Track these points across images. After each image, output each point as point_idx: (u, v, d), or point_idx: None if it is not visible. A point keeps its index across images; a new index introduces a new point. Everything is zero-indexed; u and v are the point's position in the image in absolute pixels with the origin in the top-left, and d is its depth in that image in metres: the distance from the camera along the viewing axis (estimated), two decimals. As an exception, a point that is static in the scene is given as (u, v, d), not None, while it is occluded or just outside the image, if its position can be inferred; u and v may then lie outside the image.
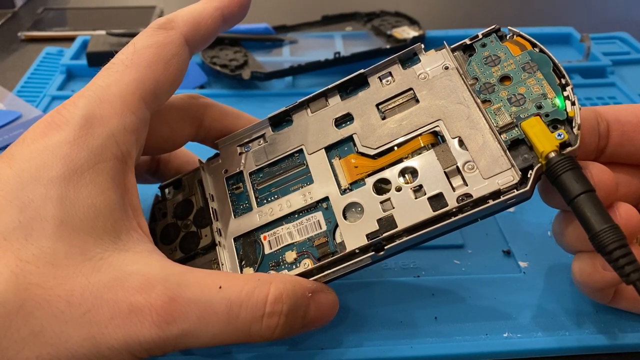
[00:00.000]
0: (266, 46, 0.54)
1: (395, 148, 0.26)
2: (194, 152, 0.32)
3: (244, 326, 0.21)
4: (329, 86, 0.28)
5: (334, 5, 0.64)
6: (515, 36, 0.26)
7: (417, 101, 0.26)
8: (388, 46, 0.51)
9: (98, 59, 0.50)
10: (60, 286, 0.20)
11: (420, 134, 0.25)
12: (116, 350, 0.20)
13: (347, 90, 0.28)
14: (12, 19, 0.66)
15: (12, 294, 0.19)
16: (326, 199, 0.26)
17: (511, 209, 0.34)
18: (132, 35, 0.52)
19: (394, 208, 0.24)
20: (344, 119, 0.27)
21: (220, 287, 0.21)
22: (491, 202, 0.23)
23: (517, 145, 0.24)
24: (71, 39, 0.56)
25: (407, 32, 0.54)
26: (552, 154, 0.22)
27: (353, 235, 0.24)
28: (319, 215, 0.26)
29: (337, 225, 0.25)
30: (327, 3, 0.68)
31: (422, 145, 0.25)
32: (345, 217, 0.25)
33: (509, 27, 0.26)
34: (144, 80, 0.23)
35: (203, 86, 0.49)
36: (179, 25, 0.25)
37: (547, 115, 0.23)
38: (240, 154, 0.29)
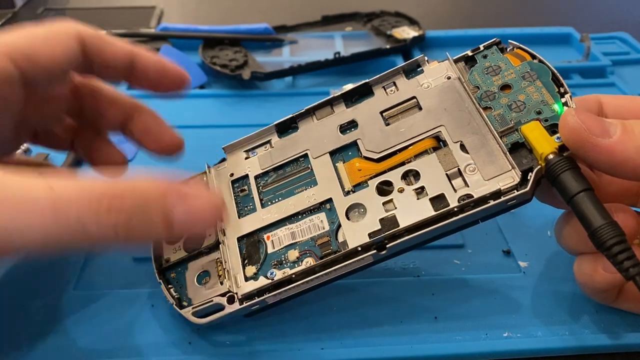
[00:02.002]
0: (266, 46, 0.54)
1: (398, 152, 0.26)
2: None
3: (76, 224, 0.20)
4: (335, 95, 0.29)
5: (334, 5, 0.64)
6: (515, 49, 0.27)
7: (420, 108, 0.27)
8: (388, 46, 0.51)
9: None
10: None
11: (422, 139, 0.26)
12: None
13: (353, 99, 0.29)
14: (12, 19, 0.66)
15: None
16: (329, 200, 0.26)
17: (511, 210, 0.34)
18: (132, 35, 0.52)
19: (396, 208, 0.25)
20: (349, 126, 0.28)
21: (51, 188, 0.20)
22: (492, 203, 0.23)
23: (518, 148, 0.24)
24: (72, 39, 0.56)
25: (407, 32, 0.54)
26: (551, 155, 0.23)
27: (355, 235, 0.25)
28: (322, 216, 0.26)
29: (339, 226, 0.25)
30: (327, 3, 0.68)
31: (425, 149, 0.26)
32: (348, 218, 0.25)
33: (509, 41, 0.27)
34: (18, 43, 0.24)
35: (203, 86, 0.49)
36: (77, 25, 0.26)
37: (546, 120, 0.24)
38: (247, 158, 0.29)
